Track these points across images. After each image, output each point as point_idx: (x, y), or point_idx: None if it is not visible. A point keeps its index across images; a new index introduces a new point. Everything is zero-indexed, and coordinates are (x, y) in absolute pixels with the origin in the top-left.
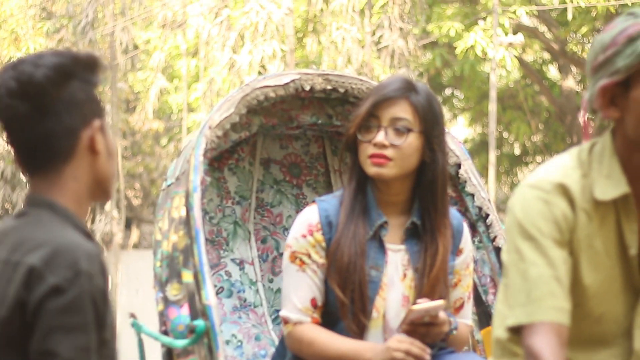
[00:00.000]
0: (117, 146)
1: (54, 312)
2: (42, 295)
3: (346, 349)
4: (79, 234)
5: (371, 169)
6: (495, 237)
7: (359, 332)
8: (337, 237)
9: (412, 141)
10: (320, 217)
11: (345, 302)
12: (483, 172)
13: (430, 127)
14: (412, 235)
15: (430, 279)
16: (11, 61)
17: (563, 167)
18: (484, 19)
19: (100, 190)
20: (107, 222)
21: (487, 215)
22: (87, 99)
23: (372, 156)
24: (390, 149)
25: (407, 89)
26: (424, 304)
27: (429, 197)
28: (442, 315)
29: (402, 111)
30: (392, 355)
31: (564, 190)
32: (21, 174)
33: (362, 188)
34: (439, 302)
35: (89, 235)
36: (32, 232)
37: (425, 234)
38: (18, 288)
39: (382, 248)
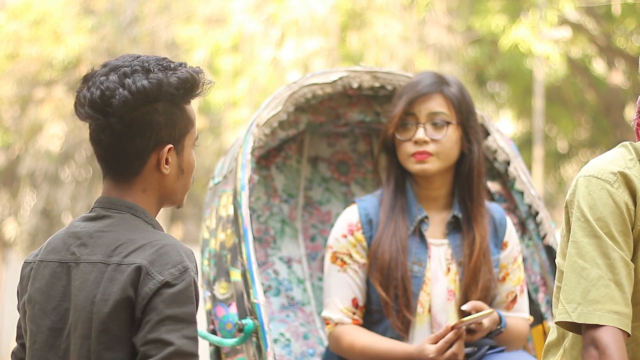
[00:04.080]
0: (194, 162)
1: (164, 305)
2: (152, 291)
3: (385, 350)
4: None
5: (414, 166)
6: (545, 235)
7: (404, 328)
8: (377, 236)
9: (451, 134)
10: (360, 216)
11: (389, 301)
12: (528, 168)
13: (466, 117)
14: (455, 229)
15: (470, 268)
16: (113, 60)
17: (622, 158)
18: (528, 10)
19: (170, 201)
20: None
21: (537, 213)
22: (167, 123)
23: (414, 154)
24: (432, 144)
25: (440, 82)
26: (471, 316)
27: (465, 188)
28: (485, 322)
29: (438, 105)
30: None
31: (626, 181)
32: (63, 174)
33: (402, 186)
34: (485, 312)
35: None
36: (126, 234)
37: (464, 225)
38: (124, 287)
39: (424, 243)
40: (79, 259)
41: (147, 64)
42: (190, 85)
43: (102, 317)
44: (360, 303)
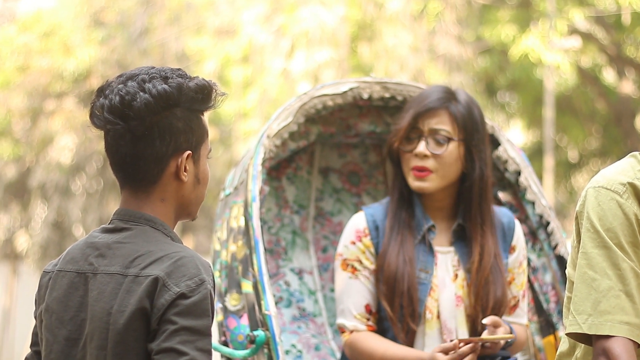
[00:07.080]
0: (209, 173)
1: (179, 316)
2: (168, 303)
3: (399, 357)
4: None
5: (414, 183)
6: (556, 245)
7: (408, 341)
8: (383, 248)
9: (452, 150)
10: (367, 222)
11: (393, 317)
12: (539, 178)
13: (470, 135)
14: (460, 237)
15: (480, 279)
16: (128, 71)
17: (632, 168)
18: (538, 20)
19: (185, 213)
20: None
21: (548, 223)
22: (185, 129)
23: (414, 168)
24: (432, 159)
25: (447, 98)
26: (492, 336)
27: (469, 203)
28: (502, 343)
29: (442, 122)
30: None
31: (635, 192)
32: (74, 186)
33: (408, 196)
34: (506, 335)
35: None
36: (144, 246)
37: (472, 234)
38: (140, 298)
39: (431, 251)
40: (96, 270)
41: (163, 73)
42: (207, 92)
43: (118, 329)
44: (373, 309)
